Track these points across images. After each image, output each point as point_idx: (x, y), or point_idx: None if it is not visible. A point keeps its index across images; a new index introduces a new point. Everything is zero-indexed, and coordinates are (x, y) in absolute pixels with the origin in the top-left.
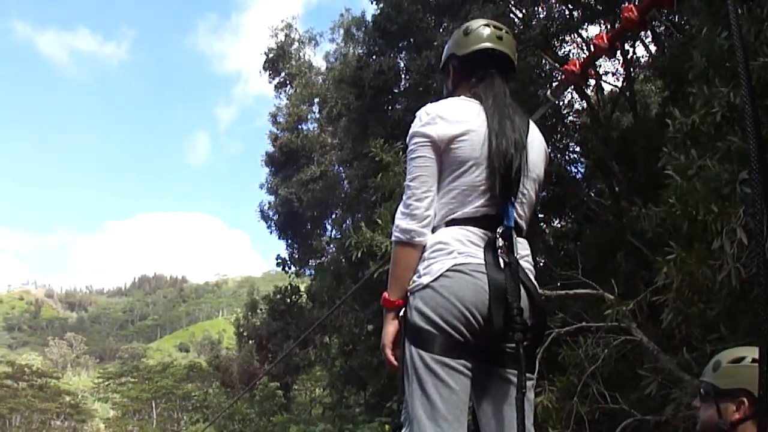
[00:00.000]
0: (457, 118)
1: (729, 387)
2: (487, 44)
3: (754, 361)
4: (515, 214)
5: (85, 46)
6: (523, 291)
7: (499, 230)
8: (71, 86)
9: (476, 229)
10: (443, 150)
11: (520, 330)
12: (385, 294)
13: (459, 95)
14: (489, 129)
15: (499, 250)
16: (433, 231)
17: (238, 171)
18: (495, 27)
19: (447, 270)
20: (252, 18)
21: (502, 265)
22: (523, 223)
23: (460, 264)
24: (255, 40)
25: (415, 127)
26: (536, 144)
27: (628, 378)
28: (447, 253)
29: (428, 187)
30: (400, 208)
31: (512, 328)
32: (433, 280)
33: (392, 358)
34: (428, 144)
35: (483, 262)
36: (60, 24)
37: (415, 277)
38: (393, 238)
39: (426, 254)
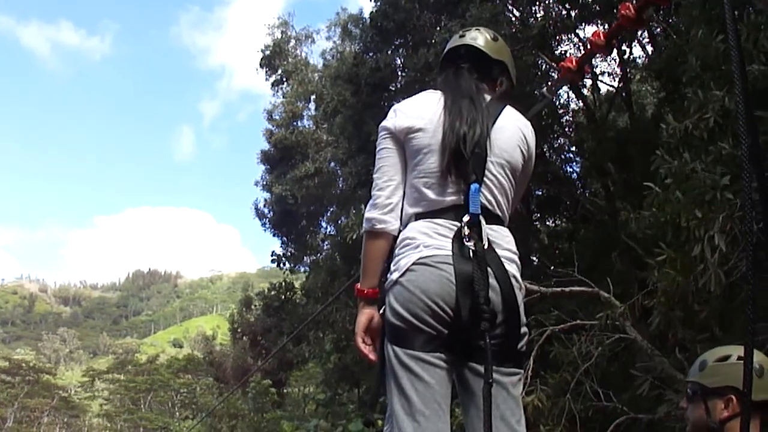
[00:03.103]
0: (415, 108)
1: (717, 385)
2: (449, 46)
3: (739, 358)
4: (484, 200)
5: (68, 39)
6: (493, 280)
7: (465, 218)
8: (54, 80)
9: (443, 220)
10: (404, 141)
11: (487, 320)
12: (357, 284)
13: None
14: (443, 111)
15: (465, 239)
16: (405, 226)
17: (223, 166)
18: (462, 31)
19: (412, 264)
20: (234, 12)
21: (470, 255)
22: (497, 210)
23: (425, 257)
24: (238, 35)
25: (380, 125)
26: (509, 128)
27: (621, 377)
28: (413, 247)
29: (389, 176)
30: (369, 201)
31: (480, 318)
32: (401, 276)
33: (362, 347)
34: (388, 136)
35: (450, 253)
36: (42, 17)
37: (388, 275)
38: (363, 228)
39: (396, 251)
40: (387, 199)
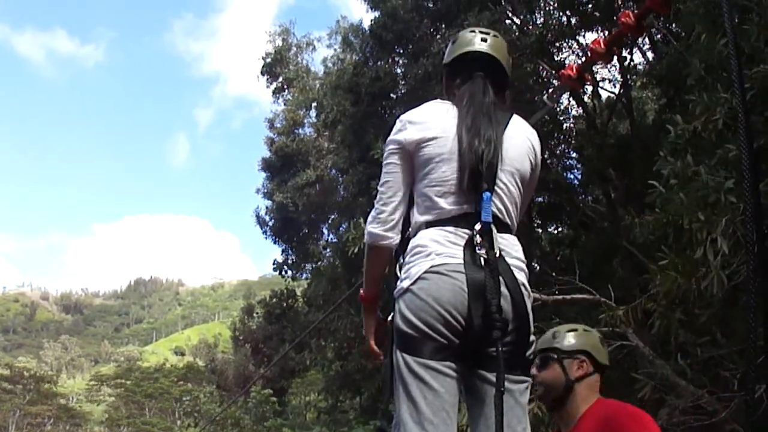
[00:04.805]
0: (425, 120)
1: (571, 349)
2: (469, 48)
3: (585, 331)
4: (494, 209)
5: (62, 47)
6: (504, 289)
7: (477, 227)
8: (49, 87)
9: (455, 228)
10: (413, 153)
11: (499, 328)
12: (361, 291)
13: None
14: (459, 126)
15: (477, 247)
16: (415, 234)
17: (219, 172)
18: (481, 32)
19: (424, 272)
20: (228, 19)
21: (482, 263)
22: (506, 219)
23: (437, 265)
24: (232, 42)
25: (390, 135)
26: (518, 138)
27: (622, 383)
28: (425, 256)
29: (393, 192)
30: (372, 212)
31: (492, 326)
32: (412, 283)
33: (376, 349)
34: (397, 151)
35: (462, 261)
36: (37, 25)
37: (398, 282)
38: (364, 239)
39: (407, 258)
40: (390, 215)
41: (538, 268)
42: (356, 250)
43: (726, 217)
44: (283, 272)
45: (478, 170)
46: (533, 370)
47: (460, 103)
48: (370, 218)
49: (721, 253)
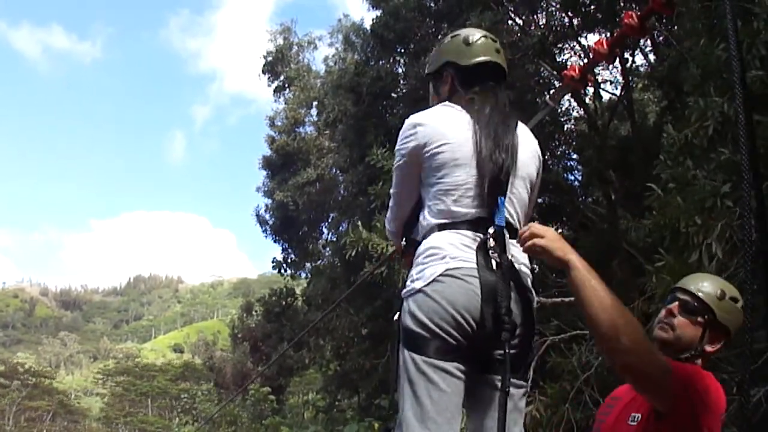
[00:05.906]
0: (437, 125)
1: (724, 323)
2: (489, 57)
3: (742, 308)
4: (507, 214)
5: (59, 43)
6: (514, 293)
7: (490, 231)
8: (46, 83)
9: (468, 231)
10: (424, 157)
11: (508, 330)
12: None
13: (453, 102)
14: (478, 133)
15: (491, 251)
16: (427, 235)
17: (216, 170)
18: (491, 39)
19: (440, 275)
20: (224, 16)
21: (494, 267)
22: (516, 224)
23: (452, 269)
24: (228, 39)
25: (399, 140)
26: (526, 144)
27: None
28: (440, 258)
29: (400, 198)
30: (388, 212)
31: (501, 328)
32: (426, 285)
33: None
34: (407, 157)
35: (475, 265)
36: (34, 21)
37: (408, 282)
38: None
39: (419, 259)
40: (395, 219)
41: (537, 269)
42: (354, 254)
43: (722, 222)
44: (283, 271)
45: (498, 178)
46: (674, 307)
47: (481, 112)
48: (387, 214)
49: (716, 258)
